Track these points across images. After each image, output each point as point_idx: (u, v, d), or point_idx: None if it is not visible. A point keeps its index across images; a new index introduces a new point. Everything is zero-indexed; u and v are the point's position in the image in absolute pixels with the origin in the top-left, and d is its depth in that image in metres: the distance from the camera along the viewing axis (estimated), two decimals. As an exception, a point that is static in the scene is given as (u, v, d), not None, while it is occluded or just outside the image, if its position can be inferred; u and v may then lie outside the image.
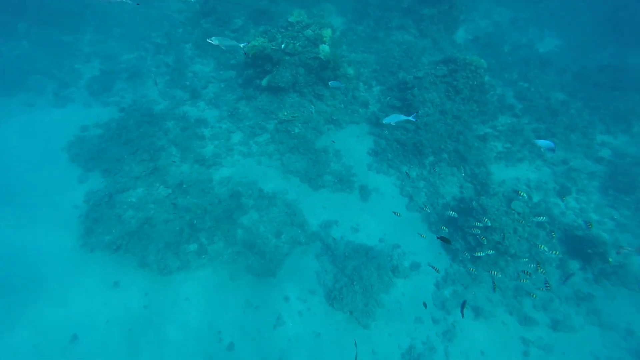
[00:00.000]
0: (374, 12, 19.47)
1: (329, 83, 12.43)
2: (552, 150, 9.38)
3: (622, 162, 14.42)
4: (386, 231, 12.23)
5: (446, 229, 11.11)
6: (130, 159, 12.60)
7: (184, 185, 12.00)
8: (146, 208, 11.43)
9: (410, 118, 10.71)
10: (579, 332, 10.63)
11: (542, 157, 14.37)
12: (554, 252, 9.65)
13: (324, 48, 14.34)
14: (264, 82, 14.59)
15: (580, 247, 11.51)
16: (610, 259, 11.18)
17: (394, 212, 10.82)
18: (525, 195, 9.91)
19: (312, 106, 14.54)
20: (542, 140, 9.47)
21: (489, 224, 10.79)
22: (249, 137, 14.06)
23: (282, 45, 14.40)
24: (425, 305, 9.94)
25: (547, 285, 9.67)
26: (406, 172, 10.58)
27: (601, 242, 11.29)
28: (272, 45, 14.43)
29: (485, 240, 10.73)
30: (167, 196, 11.63)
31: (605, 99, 17.06)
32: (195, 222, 11.19)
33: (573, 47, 22.03)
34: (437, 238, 8.61)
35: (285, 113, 14.09)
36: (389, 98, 15.20)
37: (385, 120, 11.11)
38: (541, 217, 10.54)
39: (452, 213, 10.79)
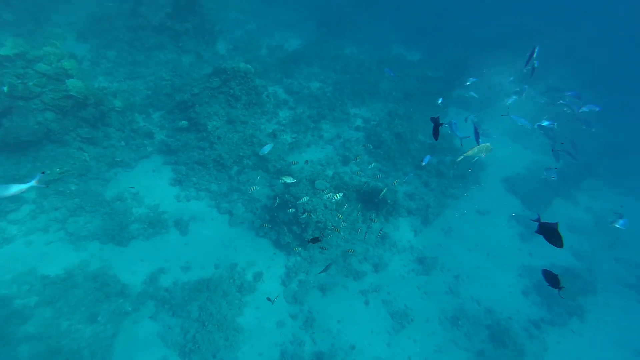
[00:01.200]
0: (123, 35, 16.70)
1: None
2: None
3: (369, 125, 17.62)
4: (218, 256, 11.09)
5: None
6: None
7: None
8: None
9: None
10: (389, 264, 12.66)
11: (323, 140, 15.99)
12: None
13: (74, 83, 11.27)
14: (-6, 141, 10.31)
15: (370, 198, 13.53)
16: (389, 201, 13.60)
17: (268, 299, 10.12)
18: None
19: (84, 153, 11.36)
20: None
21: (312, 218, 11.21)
22: None
23: (5, 88, 10.42)
24: (269, 299, 9.53)
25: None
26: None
27: (380, 190, 13.56)
28: (-13, 91, 10.28)
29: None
30: None
31: (344, 81, 20.32)
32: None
33: (310, 44, 25.19)
34: (308, 242, 8.03)
35: (49, 172, 10.47)
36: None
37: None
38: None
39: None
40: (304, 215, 11.14)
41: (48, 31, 15.01)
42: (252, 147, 13.64)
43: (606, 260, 16.69)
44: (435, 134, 4.77)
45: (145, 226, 10.83)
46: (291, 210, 11.52)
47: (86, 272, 9.55)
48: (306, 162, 13.65)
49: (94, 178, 11.37)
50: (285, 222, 11.76)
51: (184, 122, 13.28)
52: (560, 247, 4.75)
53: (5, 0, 15.11)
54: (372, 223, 13.33)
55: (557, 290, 5.01)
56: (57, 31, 15.23)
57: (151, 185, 11.94)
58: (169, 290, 9.84)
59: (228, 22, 23.54)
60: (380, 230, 12.97)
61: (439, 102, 11.33)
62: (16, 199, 10.07)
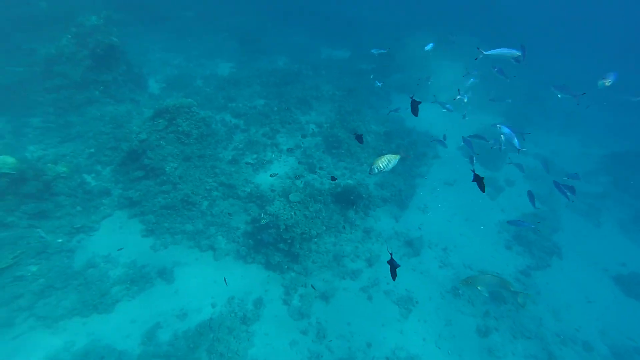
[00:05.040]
0: (43, 98, 16.01)
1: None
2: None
3: (323, 129, 18.39)
4: (212, 293, 11.06)
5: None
6: None
7: None
8: None
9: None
10: (381, 255, 13.31)
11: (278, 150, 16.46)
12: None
13: (4, 160, 10.77)
14: None
15: (346, 198, 14.16)
16: (364, 195, 14.36)
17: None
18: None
19: (37, 229, 10.82)
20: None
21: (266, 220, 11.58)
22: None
23: None
24: None
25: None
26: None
27: (352, 187, 14.28)
28: None
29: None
30: None
31: (287, 92, 21.03)
32: None
33: (241, 65, 25.75)
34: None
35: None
36: None
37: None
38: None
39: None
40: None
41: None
42: (216, 177, 13.76)
43: (562, 197, 18.76)
44: (414, 110, 5.69)
45: (128, 285, 10.51)
46: (273, 230, 11.81)
47: (74, 353, 9.07)
48: (272, 175, 14.15)
49: (56, 252, 10.84)
50: (271, 243, 12.00)
51: (140, 172, 13.11)
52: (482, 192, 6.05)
53: None
54: (354, 221, 13.98)
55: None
56: (-33, 110, 14.33)
57: (122, 242, 11.60)
58: (171, 343, 9.64)
59: (154, 62, 23.45)
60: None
61: (378, 84, 12.66)
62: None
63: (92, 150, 13.96)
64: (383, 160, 7.24)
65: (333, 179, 10.23)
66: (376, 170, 7.37)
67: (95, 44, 16.47)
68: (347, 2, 39.38)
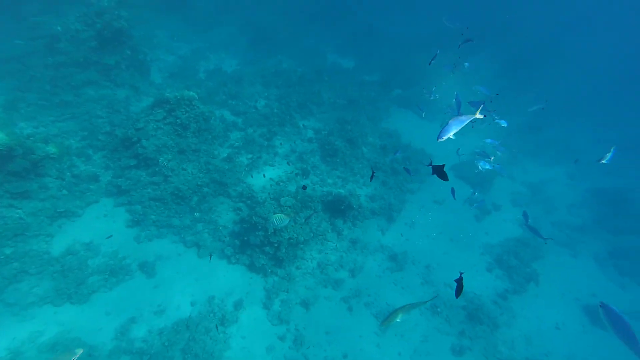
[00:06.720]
0: (41, 74, 15.30)
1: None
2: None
3: (320, 135, 18.04)
4: (192, 292, 10.59)
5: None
6: None
7: None
8: None
9: None
10: (364, 267, 13.03)
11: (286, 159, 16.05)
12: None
13: (-6, 134, 10.13)
14: None
15: (336, 207, 13.84)
16: (354, 205, 14.02)
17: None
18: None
19: (18, 210, 10.20)
20: None
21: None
22: None
23: None
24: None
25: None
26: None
27: (344, 197, 13.94)
28: None
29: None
30: None
31: (289, 96, 20.60)
32: None
33: (247, 62, 25.26)
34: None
35: (-24, 237, 9.25)
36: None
37: None
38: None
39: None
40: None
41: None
42: (209, 174, 13.28)
43: (545, 225, 18.85)
44: (458, 291, 5.16)
45: (107, 276, 9.98)
46: (261, 232, 11.41)
47: (39, 344, 8.50)
48: (264, 175, 13.86)
49: (35, 235, 10.23)
50: (257, 245, 11.58)
51: (132, 160, 12.56)
52: (446, 181, 5.12)
53: None
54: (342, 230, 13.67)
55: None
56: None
57: (106, 231, 11.04)
58: (145, 339, 9.16)
59: (159, 50, 22.80)
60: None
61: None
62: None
63: (85, 133, 13.34)
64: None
65: (304, 187, 10.51)
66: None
67: (103, 25, 15.76)
68: (370, 13, 38.52)
